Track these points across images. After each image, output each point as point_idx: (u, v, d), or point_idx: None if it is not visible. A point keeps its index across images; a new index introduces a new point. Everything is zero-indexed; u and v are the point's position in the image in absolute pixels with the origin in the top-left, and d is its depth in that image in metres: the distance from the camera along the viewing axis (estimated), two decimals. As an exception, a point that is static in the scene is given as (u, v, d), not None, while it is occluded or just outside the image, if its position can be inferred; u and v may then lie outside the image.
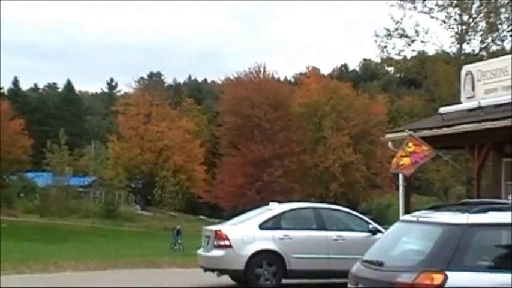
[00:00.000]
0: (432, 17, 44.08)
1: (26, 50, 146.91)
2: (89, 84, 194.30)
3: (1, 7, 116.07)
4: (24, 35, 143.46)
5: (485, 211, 7.27)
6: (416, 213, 8.18)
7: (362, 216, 16.38)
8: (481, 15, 43.56)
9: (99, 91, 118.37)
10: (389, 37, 45.10)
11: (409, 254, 7.59)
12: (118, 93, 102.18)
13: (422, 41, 44.67)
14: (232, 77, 72.22)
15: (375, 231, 14.87)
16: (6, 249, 24.57)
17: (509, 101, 14.66)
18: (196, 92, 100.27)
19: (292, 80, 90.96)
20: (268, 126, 64.02)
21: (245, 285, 14.77)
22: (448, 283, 6.74)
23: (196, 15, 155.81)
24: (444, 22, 43.89)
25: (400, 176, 17.36)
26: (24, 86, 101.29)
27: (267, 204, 16.48)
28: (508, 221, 7.17)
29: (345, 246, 14.60)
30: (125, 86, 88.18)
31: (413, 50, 46.17)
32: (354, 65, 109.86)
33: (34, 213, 53.30)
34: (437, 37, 47.46)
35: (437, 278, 6.75)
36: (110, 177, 62.05)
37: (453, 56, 44.63)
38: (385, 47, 45.57)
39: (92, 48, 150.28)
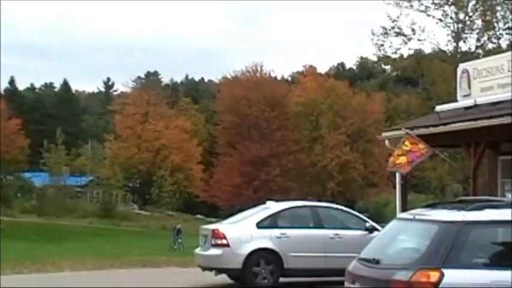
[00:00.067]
0: (428, 15, 44.20)
1: (22, 49, 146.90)
2: (86, 84, 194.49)
3: (1, 7, 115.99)
4: (20, 34, 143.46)
5: (480, 209, 7.30)
6: (413, 211, 8.22)
7: (359, 215, 16.42)
8: (477, 13, 43.65)
9: (96, 90, 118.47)
10: (386, 35, 45.22)
11: (406, 252, 7.62)
12: (115, 93, 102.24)
13: (418, 39, 44.78)
14: (229, 76, 72.37)
15: (371, 230, 14.90)
16: (3, 249, 24.58)
17: (506, 98, 14.69)
18: (193, 91, 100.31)
19: (289, 78, 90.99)
20: (265, 125, 64.08)
21: (243, 284, 14.79)
22: (444, 280, 6.76)
23: (193, 14, 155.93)
24: (440, 20, 44.02)
25: (397, 174, 17.38)
26: (21, 86, 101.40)
27: (264, 203, 16.51)
28: (504, 218, 7.21)
29: (342, 245, 14.62)
30: (122, 85, 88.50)
31: (409, 49, 46.30)
32: (350, 63, 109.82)
33: (31, 213, 53.29)
34: (433, 35, 47.65)
35: (434, 276, 6.78)
36: (107, 177, 62.07)
37: (449, 54, 44.72)
38: (382, 45, 45.70)
39: (89, 47, 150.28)
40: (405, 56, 47.74)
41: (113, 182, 61.74)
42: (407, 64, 47.74)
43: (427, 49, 47.51)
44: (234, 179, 61.42)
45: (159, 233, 47.59)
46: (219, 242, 14.65)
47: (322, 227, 15.24)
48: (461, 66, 17.50)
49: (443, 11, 43.85)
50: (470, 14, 43.92)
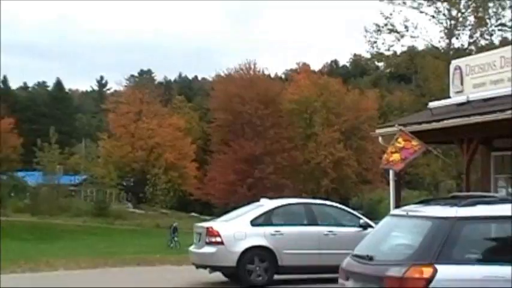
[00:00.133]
0: (421, 12, 44.27)
1: (15, 48, 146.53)
2: (79, 83, 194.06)
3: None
4: (13, 33, 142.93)
5: (473, 204, 7.33)
6: (406, 208, 8.25)
7: (353, 211, 16.45)
8: (470, 9, 43.75)
9: (89, 89, 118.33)
10: (379, 32, 45.28)
11: (399, 248, 7.65)
12: (108, 91, 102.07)
13: (411, 36, 44.85)
14: (222, 74, 72.35)
15: (365, 226, 14.93)
16: (-2, 248, 24.52)
17: (498, 95, 14.74)
18: (186, 89, 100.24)
19: (283, 76, 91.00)
20: (259, 122, 64.09)
21: (237, 281, 14.81)
22: (438, 276, 6.79)
23: (187, 12, 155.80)
24: (433, 17, 44.09)
25: (391, 171, 17.42)
26: (14, 85, 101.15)
27: (258, 200, 16.52)
28: (496, 214, 7.25)
29: (336, 241, 14.64)
30: (115, 83, 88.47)
31: (402, 45, 46.36)
32: (344, 60, 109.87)
33: (25, 213, 53.16)
34: (426, 32, 47.62)
35: (427, 271, 6.81)
36: (101, 176, 61.97)
37: (442, 50, 44.81)
38: (375, 42, 45.76)
39: (82, 46, 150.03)
40: (398, 52, 47.80)
41: (106, 181, 61.64)
42: (400, 61, 47.81)
43: (420, 46, 47.64)
44: (228, 177, 61.43)
45: (153, 231, 47.57)
46: (213, 239, 14.65)
47: (316, 224, 15.27)
48: (454, 62, 17.54)
49: (436, 7, 43.95)
50: (463, 10, 44.01)
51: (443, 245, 6.95)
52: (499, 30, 43.75)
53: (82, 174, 69.66)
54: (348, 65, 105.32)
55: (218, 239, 14.62)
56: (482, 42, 43.57)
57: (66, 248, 30.33)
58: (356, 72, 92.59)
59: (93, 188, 64.82)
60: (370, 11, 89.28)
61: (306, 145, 65.73)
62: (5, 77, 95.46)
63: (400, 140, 15.45)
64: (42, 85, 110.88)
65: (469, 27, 44.17)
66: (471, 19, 44.19)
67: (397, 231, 7.95)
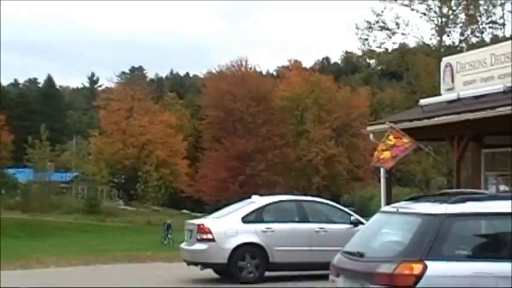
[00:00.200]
0: (412, 10, 44.44)
1: (5, 45, 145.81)
2: (70, 79, 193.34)
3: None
4: (3, 30, 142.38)
5: (463, 201, 7.37)
6: (396, 204, 8.29)
7: (344, 208, 16.53)
8: (461, 7, 43.94)
9: (80, 86, 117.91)
10: (370, 30, 45.45)
11: (389, 245, 7.68)
12: (99, 88, 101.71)
13: (402, 34, 45.06)
14: (214, 71, 72.21)
15: (356, 223, 14.99)
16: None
17: (488, 92, 14.80)
18: (178, 86, 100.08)
19: (275, 73, 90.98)
20: (250, 119, 64.05)
21: (228, 278, 14.84)
22: (428, 272, 6.83)
23: (178, 10, 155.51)
24: (424, 14, 44.28)
25: (382, 168, 17.47)
26: (4, 82, 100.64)
27: (250, 197, 16.55)
28: (486, 210, 7.29)
29: (327, 238, 14.70)
30: (107, 80, 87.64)
31: (394, 43, 46.57)
32: (335, 58, 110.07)
33: (16, 210, 52.95)
34: (417, 29, 47.85)
35: (417, 268, 6.85)
36: (92, 173, 61.79)
37: (433, 48, 44.99)
38: (366, 39, 45.96)
39: (73, 42, 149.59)
40: (390, 50, 48.00)
41: (98, 178, 61.44)
42: (391, 58, 47.99)
43: (411, 43, 47.85)
44: (219, 174, 61.40)
45: (145, 228, 47.47)
46: (205, 236, 14.69)
47: (308, 221, 15.32)
48: (445, 60, 17.62)
49: (427, 5, 44.14)
50: (454, 8, 44.20)
51: (433, 241, 6.99)
52: (489, 27, 44.01)
53: (73, 171, 69.42)
54: (339, 62, 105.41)
55: (209, 236, 14.66)
56: (473, 39, 43.83)
57: (57, 245, 30.23)
58: (347, 69, 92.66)
59: (84, 185, 64.61)
60: (362, 8, 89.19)
61: (297, 142, 65.76)
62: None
63: (391, 137, 15.50)
64: (33, 82, 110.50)
65: (460, 25, 44.38)
66: (462, 17, 44.42)
67: (387, 228, 7.98)
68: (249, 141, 62.50)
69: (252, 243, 14.69)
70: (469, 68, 16.14)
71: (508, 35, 41.76)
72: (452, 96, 15.94)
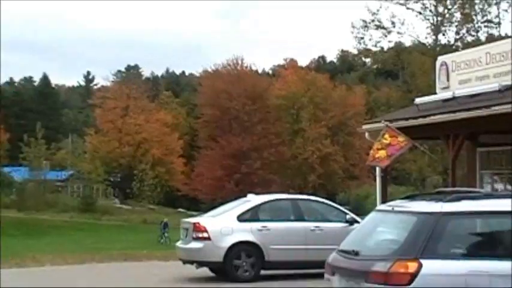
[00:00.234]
0: (408, 8, 44.46)
1: (1, 43, 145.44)
2: (66, 78, 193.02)
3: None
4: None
5: (458, 200, 7.39)
6: (392, 203, 8.30)
7: (339, 207, 16.51)
8: (456, 6, 43.97)
9: (76, 84, 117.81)
10: (366, 28, 45.46)
11: (384, 243, 7.70)
12: (95, 87, 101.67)
13: (398, 32, 45.08)
14: (210, 70, 72.25)
15: (352, 222, 14.99)
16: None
17: (483, 91, 14.83)
18: (174, 84, 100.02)
19: (270, 72, 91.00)
20: (246, 118, 64.06)
21: (224, 277, 14.83)
22: (423, 271, 6.85)
23: (174, 8, 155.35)
24: (420, 13, 44.30)
25: (377, 167, 17.48)
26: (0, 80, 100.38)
27: (245, 196, 16.55)
28: (481, 209, 7.31)
29: (322, 237, 14.69)
30: (102, 79, 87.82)
31: (389, 42, 46.59)
32: (331, 56, 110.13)
33: (11, 208, 52.90)
34: (413, 28, 47.97)
35: (412, 266, 6.86)
36: (87, 171, 61.77)
37: (429, 46, 45.03)
38: (362, 38, 45.96)
39: (69, 41, 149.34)
40: (385, 49, 48.02)
41: (93, 176, 61.42)
42: (387, 57, 48.03)
43: (407, 42, 47.88)
44: (215, 172, 61.41)
45: (140, 227, 47.49)
46: (200, 235, 14.68)
47: (303, 220, 15.32)
48: (440, 59, 17.63)
49: (423, 4, 44.15)
50: (449, 7, 44.23)
51: (428, 240, 7.00)
52: (485, 26, 44.03)
53: (69, 169, 69.39)
54: (335, 61, 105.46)
55: (205, 235, 14.65)
56: (469, 38, 43.87)
57: (53, 243, 30.24)
58: (343, 68, 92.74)
59: (80, 184, 64.59)
60: (358, 7, 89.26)
61: (293, 141, 65.81)
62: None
63: (386, 136, 15.50)
64: (28, 80, 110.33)
65: (456, 24, 44.42)
66: (457, 15, 44.46)
67: (382, 227, 7.99)
68: (244, 139, 62.51)
69: (247, 241, 14.69)
70: (464, 66, 16.15)
71: (503, 33, 41.84)
72: (447, 95, 15.95)
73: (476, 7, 43.45)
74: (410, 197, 8.29)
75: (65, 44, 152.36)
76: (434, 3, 44.08)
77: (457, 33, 44.16)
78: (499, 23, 43.31)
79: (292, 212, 15.47)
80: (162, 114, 70.27)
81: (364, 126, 18.55)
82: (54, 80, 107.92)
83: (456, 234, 7.24)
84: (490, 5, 43.26)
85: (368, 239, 7.94)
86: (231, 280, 14.53)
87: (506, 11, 42.84)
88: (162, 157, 66.20)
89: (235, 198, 17.31)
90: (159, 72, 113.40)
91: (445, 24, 44.30)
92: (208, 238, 14.61)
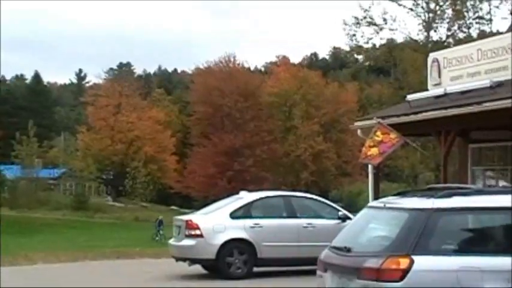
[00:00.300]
0: (400, 5, 44.53)
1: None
2: (58, 76, 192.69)
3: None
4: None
5: (449, 196, 7.40)
6: (383, 200, 8.32)
7: (332, 204, 16.56)
8: (448, 2, 44.05)
9: (68, 82, 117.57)
10: (358, 25, 45.50)
11: (376, 240, 7.71)
12: (87, 84, 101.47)
13: (390, 29, 45.14)
14: (202, 67, 72.16)
15: (344, 218, 15.03)
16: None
17: (475, 87, 14.87)
18: (166, 82, 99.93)
19: (263, 69, 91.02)
20: (238, 115, 64.03)
21: (217, 274, 14.85)
22: (414, 267, 6.86)
23: (166, 5, 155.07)
24: (411, 10, 44.37)
25: (369, 164, 17.52)
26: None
27: (238, 193, 16.57)
28: (472, 205, 7.33)
29: (315, 234, 14.73)
30: (94, 76, 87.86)
31: (381, 38, 46.66)
32: (323, 53, 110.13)
33: (3, 206, 52.67)
34: (404, 25, 48.02)
35: (404, 262, 6.88)
36: (80, 169, 61.58)
37: (421, 43, 45.13)
38: (354, 35, 46.00)
39: (60, 38, 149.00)
40: (377, 45, 48.09)
41: (86, 174, 61.24)
42: (379, 54, 48.10)
43: (399, 39, 48.01)
44: (208, 170, 61.38)
45: (133, 224, 47.39)
46: (193, 232, 14.69)
47: (296, 217, 15.35)
48: (432, 55, 17.68)
49: (414, 0, 44.20)
50: (441, 3, 44.30)
51: (420, 236, 7.01)
52: (476, 23, 44.14)
53: (61, 167, 69.19)
54: (327, 57, 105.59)
55: (197, 232, 14.66)
56: (460, 35, 43.96)
57: (45, 241, 30.12)
58: (335, 65, 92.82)
59: (73, 182, 64.41)
60: (350, 4, 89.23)
61: (285, 138, 65.82)
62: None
63: (378, 133, 15.54)
64: (20, 78, 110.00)
65: (447, 20, 44.50)
66: (449, 12, 44.54)
67: (374, 223, 8.00)
68: (237, 137, 62.50)
69: (240, 239, 14.72)
70: (455, 63, 16.20)
71: (495, 30, 41.97)
72: (439, 91, 15.99)
73: (468, 4, 43.54)
74: (402, 194, 8.30)
75: (57, 41, 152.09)
76: (426, 0, 44.17)
77: (449, 29, 44.25)
78: (490, 20, 43.45)
79: (285, 209, 15.50)
80: (154, 111, 70.16)
81: (357, 123, 18.60)
82: (46, 78, 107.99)
83: (447, 230, 7.26)
84: (481, 2, 43.37)
85: (360, 235, 7.95)
86: (223, 277, 14.55)
87: (497, 7, 42.98)
88: (154, 155, 66.11)
89: (228, 196, 17.35)
90: (151, 69, 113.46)
91: (437, 21, 44.39)
92: (201, 235, 14.62)
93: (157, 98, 79.97)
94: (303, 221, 15.22)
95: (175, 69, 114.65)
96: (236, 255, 14.65)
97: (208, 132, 64.68)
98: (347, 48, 51.99)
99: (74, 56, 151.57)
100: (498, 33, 32.57)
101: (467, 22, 43.88)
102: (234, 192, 18.36)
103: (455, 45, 36.12)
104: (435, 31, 44.80)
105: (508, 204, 7.23)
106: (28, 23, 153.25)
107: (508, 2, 41.25)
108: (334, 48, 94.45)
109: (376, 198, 15.53)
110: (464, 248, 7.18)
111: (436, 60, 16.88)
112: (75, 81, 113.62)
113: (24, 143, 57.69)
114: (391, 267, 6.89)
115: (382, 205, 7.97)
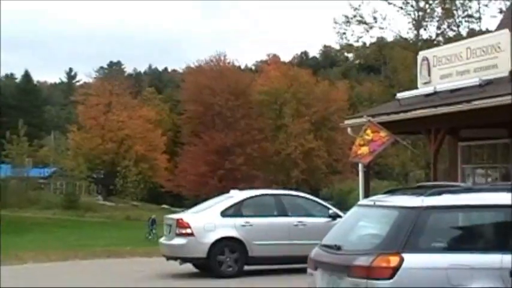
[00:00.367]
0: (389, 3, 44.63)
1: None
2: (48, 74, 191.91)
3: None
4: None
5: (439, 194, 7.44)
6: (373, 198, 8.35)
7: (322, 202, 16.59)
8: (437, 1, 44.19)
9: (58, 81, 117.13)
10: (348, 24, 45.57)
11: (366, 238, 7.74)
12: (77, 83, 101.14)
13: (380, 28, 45.23)
14: (192, 66, 72.10)
15: (335, 217, 15.06)
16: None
17: (464, 85, 14.93)
18: (157, 81, 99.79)
19: (253, 67, 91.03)
20: (229, 114, 63.99)
21: (208, 272, 14.85)
22: (404, 265, 6.89)
23: (156, 3, 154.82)
24: (401, 8, 44.48)
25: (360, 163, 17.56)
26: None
27: (229, 192, 16.58)
28: (461, 203, 7.37)
29: (305, 232, 14.76)
30: (85, 75, 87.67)
31: (371, 37, 46.74)
32: (314, 52, 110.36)
33: (-6, 206, 52.57)
34: (395, 23, 48.08)
35: (394, 260, 6.91)
36: (70, 168, 61.37)
37: (411, 41, 45.24)
38: (344, 33, 46.09)
39: (50, 37, 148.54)
40: (367, 44, 48.18)
41: (76, 173, 61.03)
42: (369, 52, 48.19)
43: (389, 37, 48.08)
44: (198, 169, 61.33)
45: (124, 223, 47.32)
46: (184, 231, 14.69)
47: (286, 215, 15.37)
48: (422, 53, 17.75)
49: (404, -2, 44.29)
50: (431, 2, 44.43)
51: (409, 234, 7.05)
52: (465, 21, 44.28)
53: (51, 166, 68.95)
54: (317, 56, 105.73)
55: (188, 231, 14.67)
56: (450, 33, 44.09)
57: (36, 240, 30.06)
58: (326, 63, 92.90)
59: (63, 181, 64.18)
60: (340, 2, 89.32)
61: (276, 136, 65.82)
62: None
63: (368, 131, 15.59)
64: (9, 77, 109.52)
65: (437, 19, 44.65)
66: (439, 10, 44.68)
67: (364, 221, 8.03)
68: (228, 135, 62.49)
69: (231, 237, 14.73)
70: (445, 61, 16.26)
71: (484, 28, 42.09)
72: (429, 89, 16.06)
73: (457, 2, 43.69)
74: (392, 192, 8.35)
75: (47, 40, 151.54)
76: (416, -2, 44.29)
77: (439, 28, 44.39)
78: (479, 18, 43.60)
79: (276, 208, 15.52)
80: (145, 110, 70.02)
81: (347, 122, 18.64)
82: (36, 77, 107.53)
83: (437, 228, 7.30)
84: (470, 0, 43.53)
85: (350, 233, 7.98)
86: (214, 276, 14.56)
87: (486, 6, 43.19)
88: (145, 153, 65.99)
89: (219, 194, 17.35)
90: (142, 68, 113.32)
91: (427, 19, 44.52)
92: (192, 234, 14.63)
93: (148, 96, 79.82)
94: (294, 219, 15.25)
95: (166, 68, 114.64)
96: (227, 254, 14.67)
97: (199, 130, 64.62)
98: (337, 47, 52.20)
99: (64, 55, 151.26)
100: (487, 31, 32.72)
101: (457, 20, 44.05)
102: (225, 190, 18.38)
103: (445, 43, 36.26)
104: (425, 29, 44.97)
105: (498, 202, 7.28)
106: (17, 22, 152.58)
107: (497, 1, 41.46)
108: (325, 46, 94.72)
109: (366, 196, 15.59)
110: (454, 246, 7.23)
111: (425, 59, 16.95)
112: (65, 80, 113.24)
113: (15, 142, 57.47)
114: (381, 265, 6.92)
115: (372, 203, 8.00)
